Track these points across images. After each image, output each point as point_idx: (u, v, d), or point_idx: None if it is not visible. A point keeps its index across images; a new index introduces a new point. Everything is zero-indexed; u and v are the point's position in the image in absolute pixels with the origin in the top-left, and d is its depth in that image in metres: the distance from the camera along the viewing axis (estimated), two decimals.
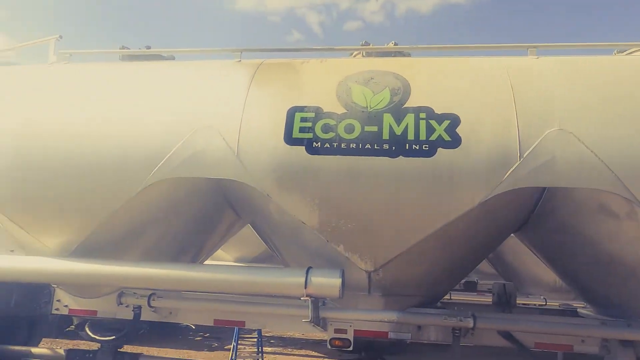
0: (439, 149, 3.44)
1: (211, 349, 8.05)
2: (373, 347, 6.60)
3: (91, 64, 4.77)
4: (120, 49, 4.95)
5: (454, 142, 3.44)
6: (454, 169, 3.42)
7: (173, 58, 4.97)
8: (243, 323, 4.17)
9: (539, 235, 4.57)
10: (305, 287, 3.47)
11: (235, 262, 8.53)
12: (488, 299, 5.57)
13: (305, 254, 4.11)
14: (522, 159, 3.36)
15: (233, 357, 6.44)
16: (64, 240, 4.00)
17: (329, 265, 3.74)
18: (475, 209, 3.42)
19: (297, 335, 9.52)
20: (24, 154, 3.92)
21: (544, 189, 3.74)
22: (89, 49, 4.97)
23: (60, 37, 4.78)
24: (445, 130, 3.48)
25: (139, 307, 4.16)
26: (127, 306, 4.24)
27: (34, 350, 5.23)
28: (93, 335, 6.37)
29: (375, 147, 3.50)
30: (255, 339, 8.32)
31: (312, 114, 3.65)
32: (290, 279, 3.56)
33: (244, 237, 6.36)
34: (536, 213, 4.08)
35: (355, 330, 3.95)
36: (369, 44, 4.55)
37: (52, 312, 4.53)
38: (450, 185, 3.44)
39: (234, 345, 6.72)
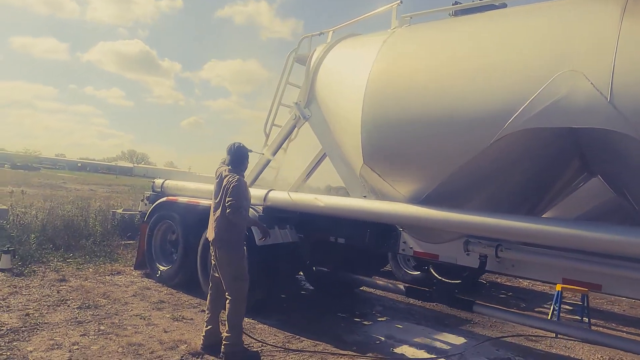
0: None
1: (520, 308, 7.84)
2: None
3: (430, 23, 5.01)
4: (453, 4, 5.04)
5: None
6: None
7: (505, 5, 4.76)
8: (599, 287, 3.79)
9: None
10: None
11: None
12: None
13: None
14: None
15: (555, 319, 6.09)
16: (415, 188, 4.40)
17: None
18: None
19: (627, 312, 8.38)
20: (383, 110, 4.45)
21: None
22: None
23: (401, 2, 5.17)
24: None
25: (485, 257, 4.26)
26: (469, 255, 4.40)
27: (379, 281, 6.14)
28: (438, 276, 6.97)
29: None
30: (574, 306, 7.72)
31: None
32: None
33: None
34: None
35: None
36: None
37: (399, 252, 5.12)
38: None
39: (553, 307, 6.35)
